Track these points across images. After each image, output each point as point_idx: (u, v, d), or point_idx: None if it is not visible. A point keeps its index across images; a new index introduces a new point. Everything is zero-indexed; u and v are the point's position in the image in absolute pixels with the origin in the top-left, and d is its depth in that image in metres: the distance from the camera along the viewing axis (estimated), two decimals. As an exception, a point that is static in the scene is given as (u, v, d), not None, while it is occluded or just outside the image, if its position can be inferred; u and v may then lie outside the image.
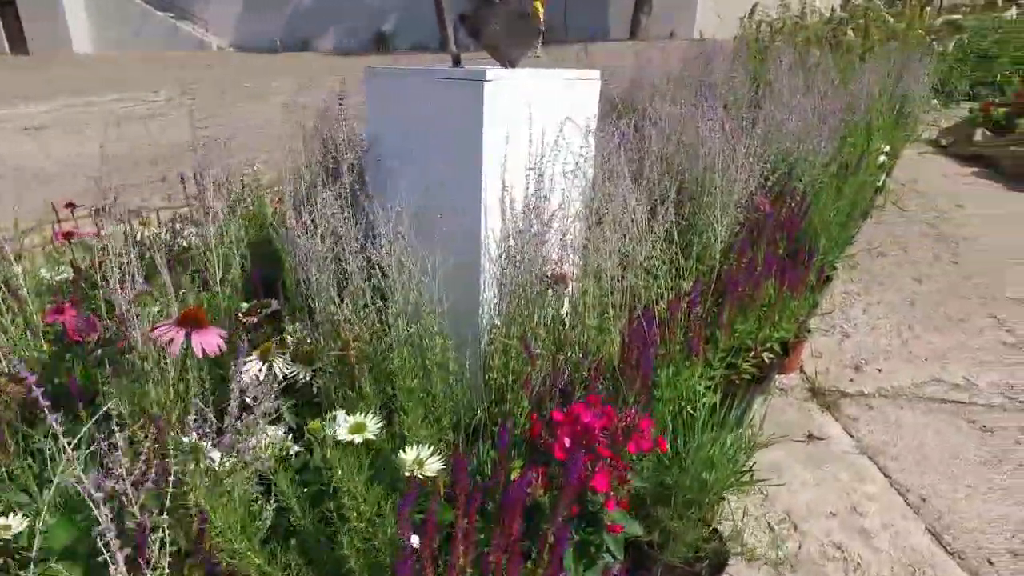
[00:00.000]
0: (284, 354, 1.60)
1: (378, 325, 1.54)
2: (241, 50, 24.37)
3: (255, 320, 1.86)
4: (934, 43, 6.88)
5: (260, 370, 1.55)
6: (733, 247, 2.06)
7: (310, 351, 1.64)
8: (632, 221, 1.68)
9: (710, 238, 1.94)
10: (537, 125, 1.68)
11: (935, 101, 6.87)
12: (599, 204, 1.67)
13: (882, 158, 3.99)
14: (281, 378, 1.56)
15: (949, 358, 2.49)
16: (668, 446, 1.51)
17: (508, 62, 1.86)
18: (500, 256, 1.61)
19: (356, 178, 2.02)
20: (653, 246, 1.75)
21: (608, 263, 1.63)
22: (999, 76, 8.13)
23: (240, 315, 1.89)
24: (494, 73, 1.58)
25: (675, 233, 1.84)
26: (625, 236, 1.69)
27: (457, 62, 1.87)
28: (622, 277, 1.67)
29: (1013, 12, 8.30)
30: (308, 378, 1.60)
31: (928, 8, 7.23)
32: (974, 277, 3.17)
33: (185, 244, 2.24)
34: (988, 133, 5.42)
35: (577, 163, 1.74)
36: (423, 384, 1.44)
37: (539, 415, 1.44)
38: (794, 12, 6.50)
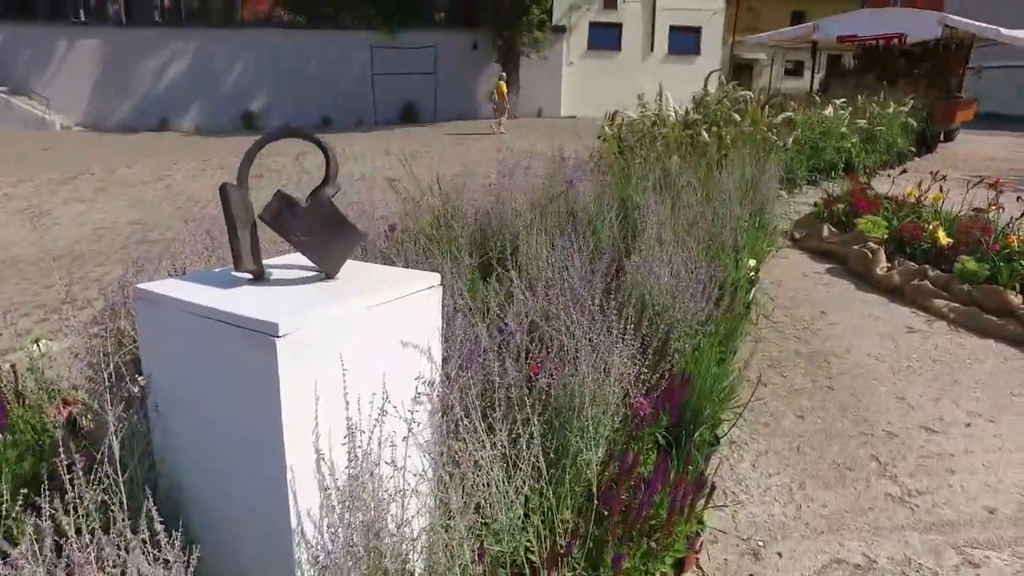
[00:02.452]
0: None
1: None
2: (90, 129, 22.48)
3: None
4: (776, 140, 7.41)
5: None
6: (611, 456, 1.77)
7: None
8: (488, 483, 1.33)
9: (583, 463, 1.63)
10: (361, 370, 1.30)
11: (783, 193, 7.34)
12: (445, 468, 1.30)
13: (750, 274, 4.00)
14: None
15: (845, 527, 2.32)
16: None
17: (324, 272, 1.49)
18: None
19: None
20: (513, 504, 1.41)
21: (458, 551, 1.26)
22: (833, 161, 9.01)
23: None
24: (291, 320, 1.20)
25: (543, 466, 1.51)
26: (482, 499, 1.34)
27: (259, 276, 1.47)
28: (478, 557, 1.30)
29: (831, 110, 9.31)
30: None
31: (767, 107, 7.84)
32: (849, 408, 3.12)
33: None
34: (833, 229, 5.76)
35: (411, 425, 1.37)
36: None
37: None
38: (651, 112, 6.75)
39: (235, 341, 1.24)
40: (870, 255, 4.95)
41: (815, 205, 6.34)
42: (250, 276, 1.46)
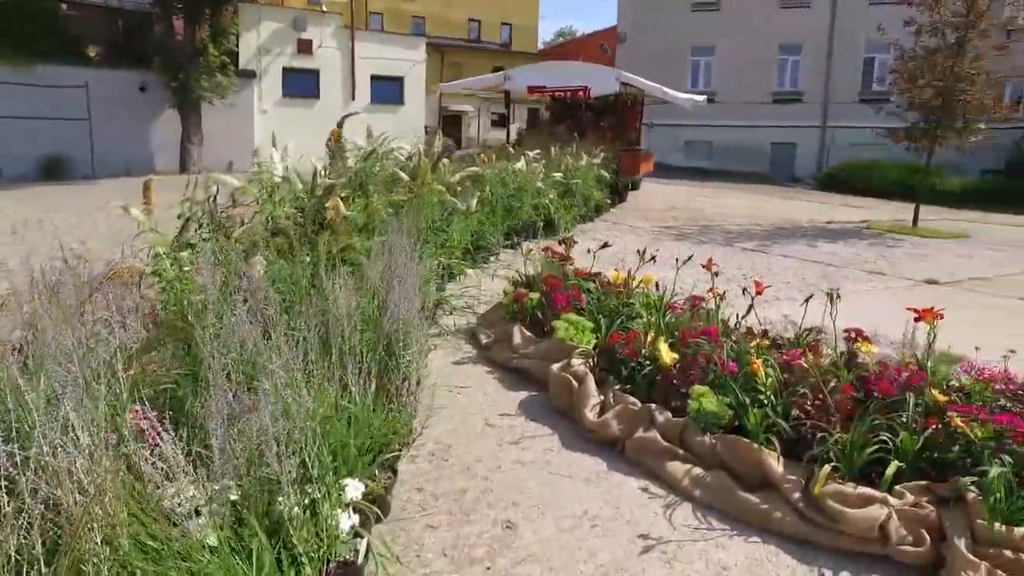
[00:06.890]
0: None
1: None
2: None
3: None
4: (457, 203, 5.79)
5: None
6: None
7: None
8: None
9: None
10: None
11: (471, 271, 5.71)
12: None
13: (349, 523, 1.94)
14: None
15: None
16: None
17: None
18: None
19: None
20: None
21: None
22: (531, 219, 7.87)
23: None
24: None
25: None
26: None
27: None
28: None
29: (523, 163, 8.23)
30: None
31: (444, 162, 6.23)
32: None
33: None
34: (527, 333, 4.13)
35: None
36: None
37: None
38: (271, 174, 4.58)
39: None
40: (575, 385, 3.32)
41: (504, 292, 4.72)
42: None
